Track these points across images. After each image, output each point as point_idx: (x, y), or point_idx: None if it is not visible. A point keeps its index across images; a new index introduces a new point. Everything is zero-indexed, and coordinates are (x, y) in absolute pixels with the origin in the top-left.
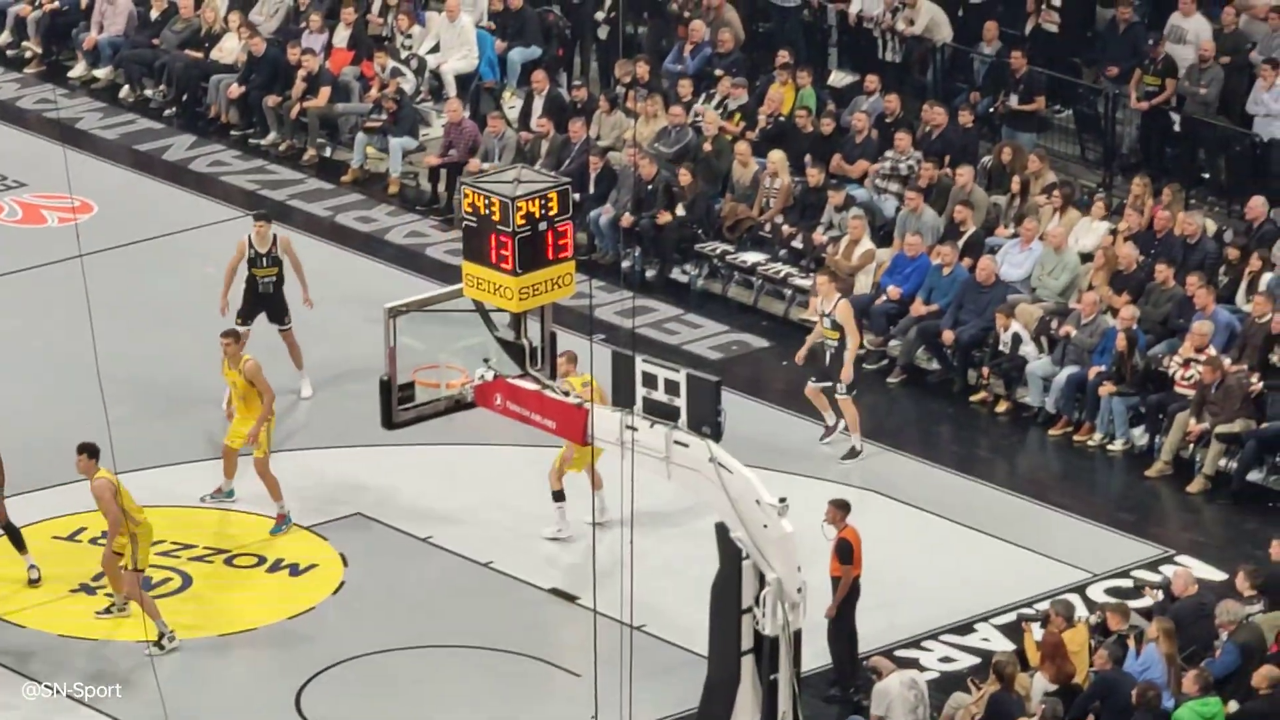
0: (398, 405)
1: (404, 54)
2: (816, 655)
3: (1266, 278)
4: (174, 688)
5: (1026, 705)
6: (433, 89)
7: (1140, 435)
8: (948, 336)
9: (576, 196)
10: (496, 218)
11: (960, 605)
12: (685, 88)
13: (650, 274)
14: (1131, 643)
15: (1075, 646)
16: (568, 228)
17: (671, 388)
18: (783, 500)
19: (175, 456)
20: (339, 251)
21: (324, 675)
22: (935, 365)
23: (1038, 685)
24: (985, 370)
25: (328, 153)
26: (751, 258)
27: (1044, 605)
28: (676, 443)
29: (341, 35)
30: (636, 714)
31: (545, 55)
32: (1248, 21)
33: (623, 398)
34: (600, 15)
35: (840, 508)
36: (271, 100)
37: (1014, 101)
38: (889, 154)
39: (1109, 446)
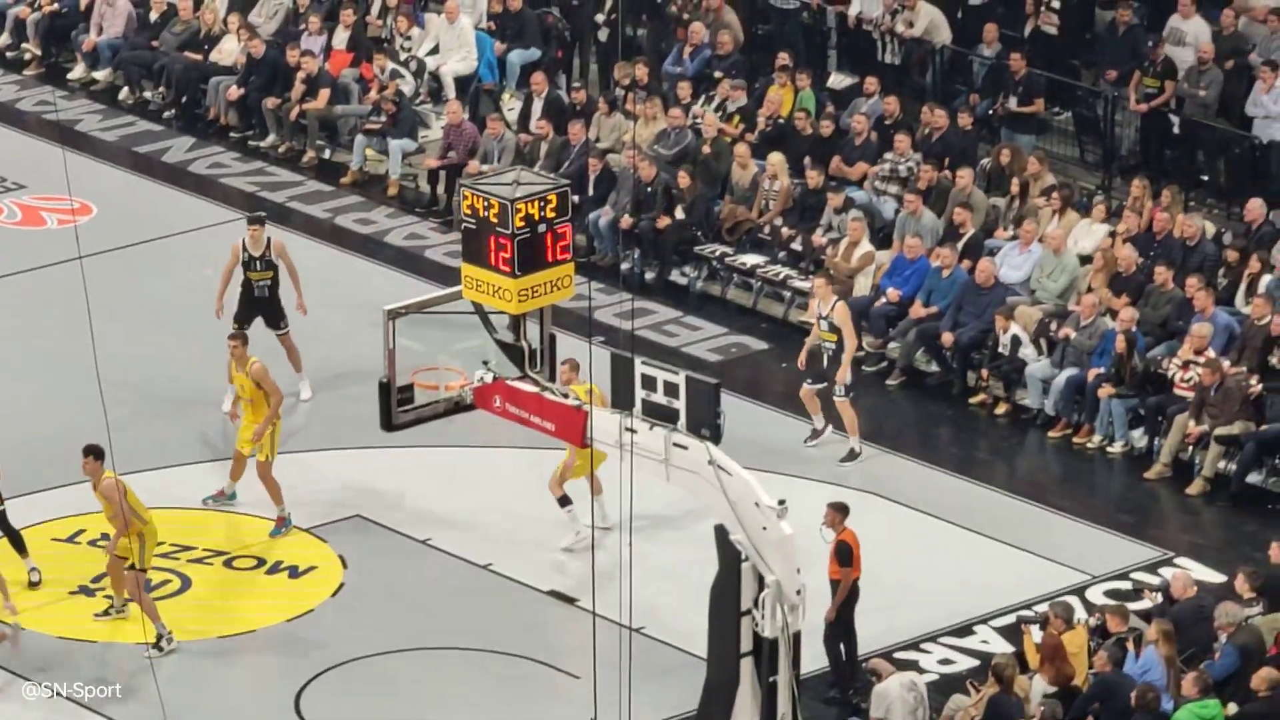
0: (397, 407)
1: (403, 56)
2: (816, 657)
3: (1266, 280)
4: (173, 690)
5: (1026, 707)
6: (432, 91)
7: (1139, 437)
8: (947, 339)
9: (576, 198)
10: (495, 220)
11: (959, 607)
12: (684, 90)
13: (649, 276)
14: (1131, 645)
15: (1074, 648)
16: (567, 230)
17: (671, 390)
18: (782, 502)
19: (174, 458)
20: (338, 253)
21: (323, 677)
22: (934, 367)
23: (1037, 687)
24: (984, 372)
25: (327, 155)
26: (751, 260)
27: (1043, 607)
28: (676, 445)
29: (341, 37)
30: (636, 716)
31: (544, 57)
32: (1247, 24)
33: (622, 400)
34: (600, 17)
35: (838, 511)
36: (271, 102)
37: (1013, 103)
38: (888, 156)
39: (1108, 448)
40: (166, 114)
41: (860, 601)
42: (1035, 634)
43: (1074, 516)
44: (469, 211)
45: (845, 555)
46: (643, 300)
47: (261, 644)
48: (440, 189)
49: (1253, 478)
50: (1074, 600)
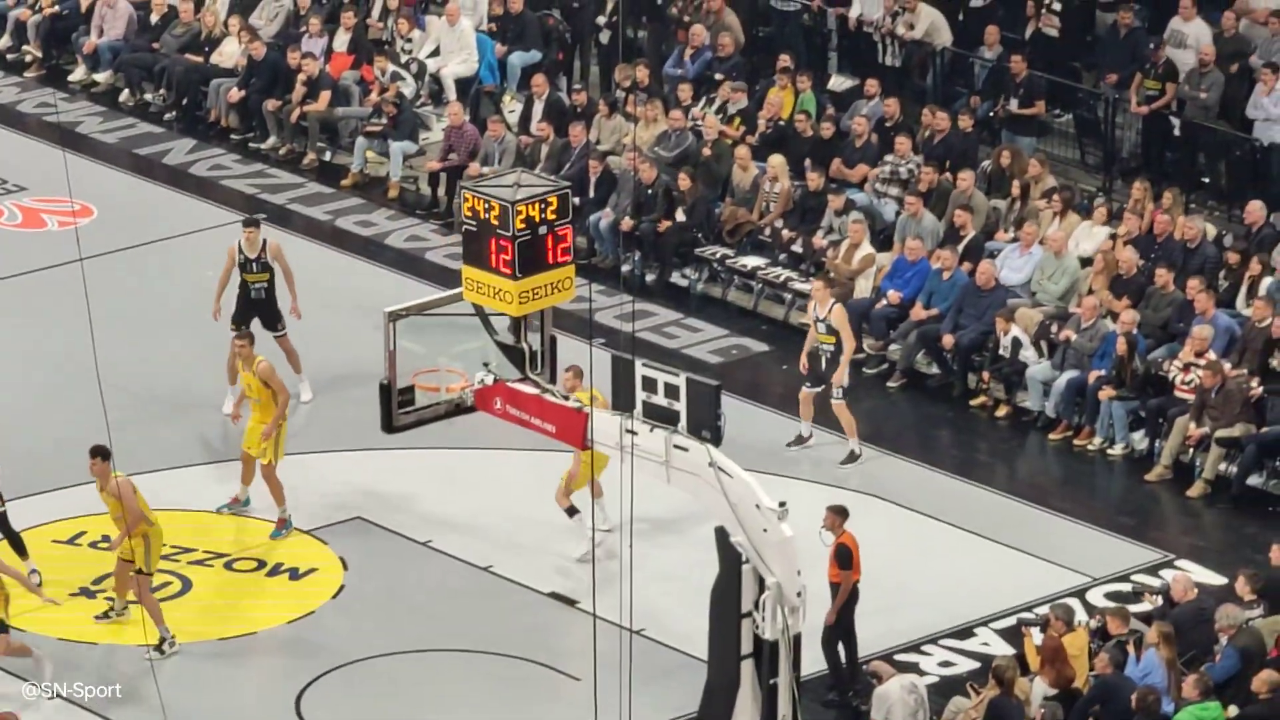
0: (398, 409)
1: (404, 58)
2: (816, 659)
3: (1266, 282)
4: (174, 692)
5: (1026, 710)
6: (433, 93)
7: (1140, 439)
8: (947, 341)
9: (576, 201)
10: (496, 222)
11: (960, 610)
12: (685, 92)
13: (650, 278)
14: (1131, 647)
15: (1075, 651)
16: (567, 232)
17: (671, 392)
18: (782, 504)
19: (175, 460)
20: (339, 255)
21: (324, 679)
22: (935, 369)
23: (1037, 690)
24: (985, 374)
25: (328, 157)
26: (751, 262)
27: (1044, 609)
28: (676, 447)
29: (341, 39)
30: (636, 718)
31: (545, 59)
32: (1248, 26)
33: (622, 402)
34: (600, 19)
35: (838, 513)
36: (271, 104)
37: (1014, 106)
38: (889, 158)
39: (1109, 451)
40: (167, 116)
41: (860, 604)
42: (1036, 636)
43: (1074, 519)
44: (470, 213)
45: (845, 558)
46: (643, 302)
47: (262, 646)
48: (441, 191)
49: (1253, 480)
50: (1075, 602)
